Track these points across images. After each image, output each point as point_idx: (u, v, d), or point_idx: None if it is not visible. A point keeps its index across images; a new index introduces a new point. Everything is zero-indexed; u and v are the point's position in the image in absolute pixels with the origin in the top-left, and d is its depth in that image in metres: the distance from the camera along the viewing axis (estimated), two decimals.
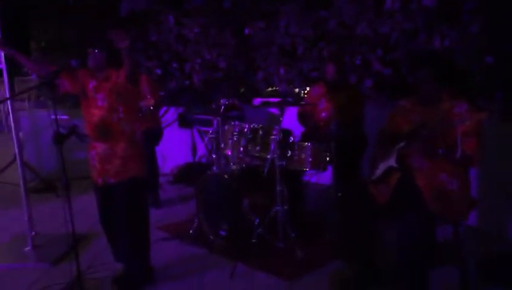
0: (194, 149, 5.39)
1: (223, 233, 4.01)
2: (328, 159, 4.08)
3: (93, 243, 4.31)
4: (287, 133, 4.16)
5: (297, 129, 4.60)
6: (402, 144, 3.05)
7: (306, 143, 4.08)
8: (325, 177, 4.57)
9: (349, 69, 5.21)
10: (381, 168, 3.20)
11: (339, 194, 4.08)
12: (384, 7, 4.96)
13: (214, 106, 4.99)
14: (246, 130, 4.23)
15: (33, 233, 4.11)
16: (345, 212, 4.00)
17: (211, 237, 4.10)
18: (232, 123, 4.37)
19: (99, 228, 4.60)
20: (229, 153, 4.39)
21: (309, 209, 4.65)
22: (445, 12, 4.60)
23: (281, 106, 4.06)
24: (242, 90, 6.45)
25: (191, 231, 4.31)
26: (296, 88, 5.87)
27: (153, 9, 6.33)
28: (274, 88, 6.12)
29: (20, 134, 6.12)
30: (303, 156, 4.08)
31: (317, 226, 4.33)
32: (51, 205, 5.26)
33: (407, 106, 3.21)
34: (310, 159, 4.06)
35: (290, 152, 4.09)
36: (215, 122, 4.71)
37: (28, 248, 4.09)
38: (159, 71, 6.44)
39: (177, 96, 6.27)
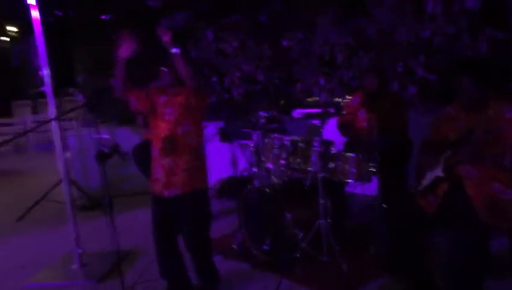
0: (235, 163, 5.37)
1: (266, 248, 3.95)
2: (372, 169, 3.97)
3: (138, 260, 4.34)
4: (328, 144, 4.08)
5: (340, 140, 4.51)
6: (448, 153, 2.92)
7: (349, 154, 3.98)
8: (370, 188, 4.44)
9: (391, 76, 5.08)
10: (428, 178, 3.07)
11: (385, 206, 3.95)
12: (426, 11, 4.82)
13: (253, 119, 4.97)
14: (286, 142, 4.18)
15: (80, 251, 4.18)
16: (392, 224, 3.87)
17: (254, 252, 4.05)
18: (272, 136, 4.33)
19: (144, 245, 4.68)
20: (271, 166, 4.34)
21: (353, 222, 4.53)
22: (489, 15, 4.43)
23: (322, 117, 3.98)
24: (282, 102, 6.41)
25: (234, 246, 4.27)
26: (337, 98, 5.77)
27: (191, 26, 6.42)
28: (314, 99, 6.05)
29: (68, 153, 6.33)
30: (346, 167, 3.99)
31: (362, 239, 4.19)
32: (97, 222, 5.35)
33: (452, 113, 3.08)
34: (354, 170, 3.96)
35: (332, 164, 4.00)
36: (255, 135, 4.69)
37: (75, 266, 4.17)
38: None
39: (217, 111, 6.30)
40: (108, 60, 6.56)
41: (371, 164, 3.95)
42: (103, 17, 6.88)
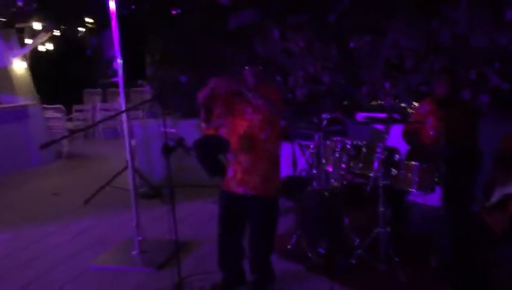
0: (294, 163, 5.35)
1: (321, 251, 3.93)
2: (436, 179, 3.84)
3: (196, 250, 4.45)
4: (392, 151, 3.99)
5: (403, 147, 4.39)
6: None
7: (413, 162, 3.87)
8: (433, 198, 4.30)
9: (463, 84, 4.88)
10: (498, 194, 2.93)
11: (448, 218, 3.81)
12: (505, 18, 4.58)
13: (316, 120, 4.94)
14: (348, 146, 4.12)
15: (140, 238, 4.33)
16: (455, 237, 3.73)
17: (309, 254, 4.03)
18: (334, 139, 4.28)
19: (201, 236, 4.79)
20: (330, 169, 4.30)
21: (414, 232, 4.40)
22: None
23: (387, 122, 3.89)
24: (345, 103, 6.32)
25: (288, 246, 4.27)
26: (402, 103, 5.62)
27: (259, 23, 6.45)
28: (379, 103, 5.91)
29: (133, 142, 6.56)
30: (409, 175, 3.88)
31: (422, 250, 4.06)
32: (157, 210, 5.52)
33: None
34: (417, 179, 3.85)
35: (395, 171, 3.91)
36: (316, 136, 4.66)
37: (135, 252, 4.32)
38: None
39: None
40: (177, 54, 6.76)
41: (435, 174, 3.82)
42: (174, 12, 7.06)
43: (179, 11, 6.98)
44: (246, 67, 3.41)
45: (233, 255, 3.53)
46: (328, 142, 4.35)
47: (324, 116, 4.83)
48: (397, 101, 5.66)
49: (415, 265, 3.81)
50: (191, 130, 6.34)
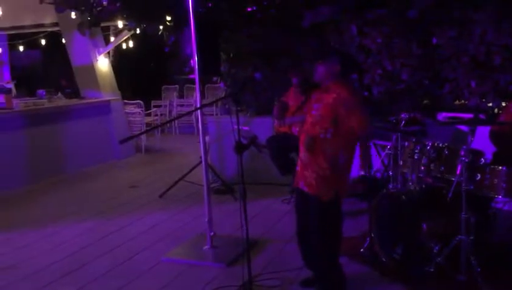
0: (369, 163, 5.18)
1: (396, 256, 3.75)
2: None
3: (266, 249, 4.43)
4: (477, 154, 3.73)
5: (488, 150, 4.10)
6: None
7: (500, 167, 3.59)
8: None
9: None
10: None
11: None
12: None
13: (393, 120, 4.74)
14: (428, 147, 3.90)
15: (212, 233, 4.37)
16: None
17: (383, 259, 3.87)
18: (413, 140, 4.08)
19: (272, 234, 4.77)
20: (408, 172, 4.10)
21: (499, 242, 4.08)
22: None
23: (473, 123, 3.64)
24: (425, 102, 6.02)
25: (361, 250, 4.13)
26: (489, 103, 5.26)
27: (335, 19, 6.30)
28: (463, 102, 5.58)
29: (207, 138, 6.67)
30: (495, 181, 3.60)
31: (508, 262, 3.76)
32: (229, 207, 5.58)
33: None
34: (504, 185, 3.56)
35: (479, 176, 3.64)
36: (394, 137, 4.47)
37: (206, 247, 4.37)
38: None
39: None
40: (252, 51, 6.78)
41: None
42: (249, 9, 7.08)
43: (254, 8, 6.99)
44: (319, 61, 3.32)
45: (310, 252, 3.48)
46: (406, 143, 4.16)
47: (403, 115, 4.62)
48: (484, 100, 5.30)
49: (498, 277, 3.54)
50: (264, 127, 6.33)
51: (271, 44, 6.56)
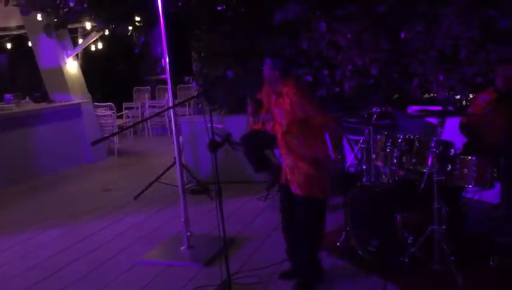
0: (343, 158, 5.23)
1: (372, 249, 3.81)
2: (495, 175, 3.63)
3: (244, 246, 4.42)
4: (447, 145, 3.80)
5: (458, 141, 4.19)
6: None
7: (469, 157, 3.67)
8: (490, 195, 4.09)
9: None
10: None
11: (508, 216, 3.60)
12: None
13: (365, 114, 4.80)
14: (400, 140, 3.97)
15: (188, 233, 4.35)
16: None
17: (360, 252, 3.92)
18: (385, 133, 4.14)
19: (250, 231, 4.77)
20: (380, 165, 4.16)
21: (470, 230, 4.18)
22: None
23: (441, 115, 3.72)
24: (395, 96, 6.12)
25: (338, 244, 4.18)
26: (457, 95, 5.37)
27: (305, 16, 6.34)
28: (432, 95, 5.69)
29: (180, 138, 6.62)
30: (465, 171, 3.68)
31: (480, 250, 3.84)
32: (204, 206, 5.56)
33: None
34: (474, 175, 3.65)
35: (450, 166, 3.72)
36: (366, 131, 4.52)
37: (184, 247, 4.34)
38: (309, 78, 6.43)
39: (327, 104, 6.18)
40: (223, 50, 6.76)
41: (494, 169, 3.61)
42: (219, 7, 7.06)
43: (224, 6, 6.97)
44: (267, 61, 3.35)
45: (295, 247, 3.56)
46: (378, 137, 4.22)
47: (374, 110, 4.68)
48: (452, 93, 5.42)
49: (472, 265, 3.62)
50: (238, 125, 6.32)
51: (242, 42, 6.56)
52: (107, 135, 7.92)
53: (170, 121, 5.48)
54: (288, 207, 3.53)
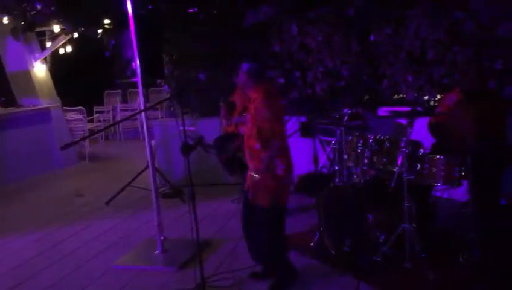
0: (315, 159, 5.26)
1: (346, 248, 3.85)
2: (462, 173, 3.72)
3: (218, 249, 4.41)
4: (416, 145, 3.89)
5: (427, 141, 4.28)
6: None
7: (438, 156, 3.76)
8: (459, 193, 4.19)
9: (489, 75, 4.73)
10: None
11: (476, 213, 3.70)
12: None
13: (336, 116, 4.86)
14: (370, 141, 4.03)
15: (162, 237, 4.31)
16: (483, 233, 3.63)
17: (333, 252, 3.96)
18: (356, 134, 4.20)
19: (223, 234, 4.77)
20: (352, 165, 4.22)
21: (440, 228, 4.28)
22: None
23: (410, 115, 3.80)
24: (366, 97, 6.21)
25: (311, 244, 4.21)
26: (425, 96, 5.49)
27: (276, 19, 6.38)
28: (401, 96, 5.79)
29: (153, 142, 6.56)
30: (434, 170, 3.78)
31: (450, 247, 3.94)
32: (178, 210, 5.52)
33: None
34: (442, 174, 3.75)
35: (419, 165, 3.81)
36: (337, 132, 4.58)
37: (157, 252, 4.31)
38: (281, 80, 6.47)
39: (299, 106, 6.23)
40: (195, 52, 6.74)
41: (461, 168, 3.71)
42: (190, 10, 7.04)
43: (195, 9, 6.96)
44: (243, 66, 3.37)
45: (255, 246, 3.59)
46: (349, 138, 4.28)
47: (345, 111, 4.75)
48: (420, 94, 5.54)
49: (442, 262, 3.70)
50: (210, 128, 6.31)
51: (214, 45, 6.55)
52: (78, 139, 7.77)
53: (142, 125, 5.43)
54: (247, 207, 3.51)
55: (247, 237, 3.65)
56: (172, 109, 7.25)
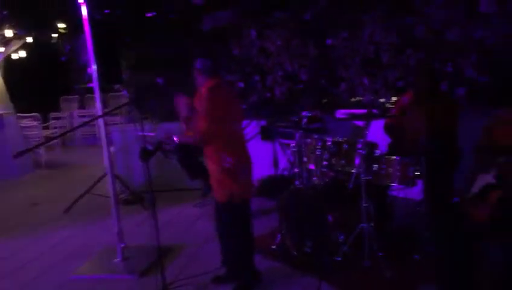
0: (276, 162, 5.33)
1: (307, 249, 3.90)
2: (417, 173, 3.85)
3: (180, 254, 4.38)
4: (372, 146, 3.99)
5: (383, 142, 4.40)
6: (503, 159, 2.78)
7: (393, 157, 3.88)
8: (414, 192, 4.31)
9: (440, 77, 4.91)
10: (478, 184, 2.94)
11: (429, 211, 3.83)
12: (479, 10, 4.63)
13: (295, 119, 4.92)
14: (329, 143, 4.11)
15: (122, 245, 4.25)
16: (437, 231, 3.75)
17: (295, 253, 4.00)
18: (315, 136, 4.27)
19: (185, 240, 4.74)
20: (312, 167, 4.28)
21: (397, 226, 4.40)
22: None
23: (366, 118, 3.89)
24: (324, 101, 6.32)
25: (273, 246, 4.24)
26: (381, 98, 5.64)
27: (235, 23, 6.41)
28: (358, 99, 5.93)
29: (112, 148, 6.45)
30: (390, 170, 3.89)
31: (406, 245, 4.06)
32: (139, 216, 5.45)
33: (506, 117, 2.94)
34: (398, 174, 3.86)
35: (376, 166, 3.91)
36: (297, 135, 4.63)
37: (117, 260, 4.24)
38: (241, 84, 6.50)
39: (259, 109, 6.28)
40: (153, 57, 6.68)
41: (416, 168, 3.83)
42: (148, 15, 6.98)
43: (153, 13, 6.91)
44: (196, 62, 3.41)
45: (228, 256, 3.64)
46: (308, 140, 4.33)
47: (304, 114, 4.81)
48: (376, 96, 5.68)
49: (399, 260, 3.80)
50: (170, 133, 6.25)
51: (173, 49, 6.52)
52: (32, 146, 7.54)
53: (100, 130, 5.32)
54: (217, 209, 3.57)
55: (220, 238, 3.69)
56: (131, 114, 7.15)
